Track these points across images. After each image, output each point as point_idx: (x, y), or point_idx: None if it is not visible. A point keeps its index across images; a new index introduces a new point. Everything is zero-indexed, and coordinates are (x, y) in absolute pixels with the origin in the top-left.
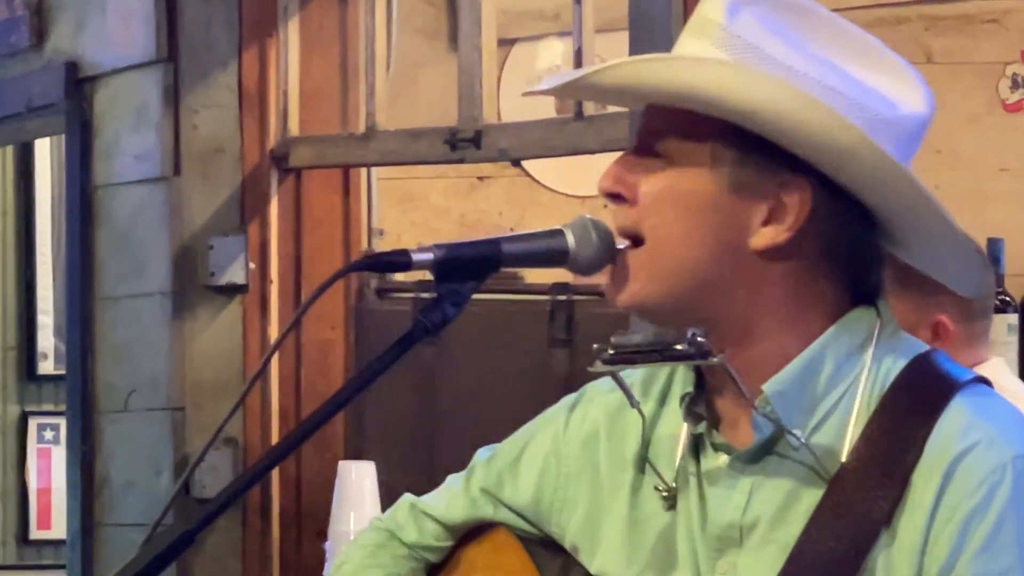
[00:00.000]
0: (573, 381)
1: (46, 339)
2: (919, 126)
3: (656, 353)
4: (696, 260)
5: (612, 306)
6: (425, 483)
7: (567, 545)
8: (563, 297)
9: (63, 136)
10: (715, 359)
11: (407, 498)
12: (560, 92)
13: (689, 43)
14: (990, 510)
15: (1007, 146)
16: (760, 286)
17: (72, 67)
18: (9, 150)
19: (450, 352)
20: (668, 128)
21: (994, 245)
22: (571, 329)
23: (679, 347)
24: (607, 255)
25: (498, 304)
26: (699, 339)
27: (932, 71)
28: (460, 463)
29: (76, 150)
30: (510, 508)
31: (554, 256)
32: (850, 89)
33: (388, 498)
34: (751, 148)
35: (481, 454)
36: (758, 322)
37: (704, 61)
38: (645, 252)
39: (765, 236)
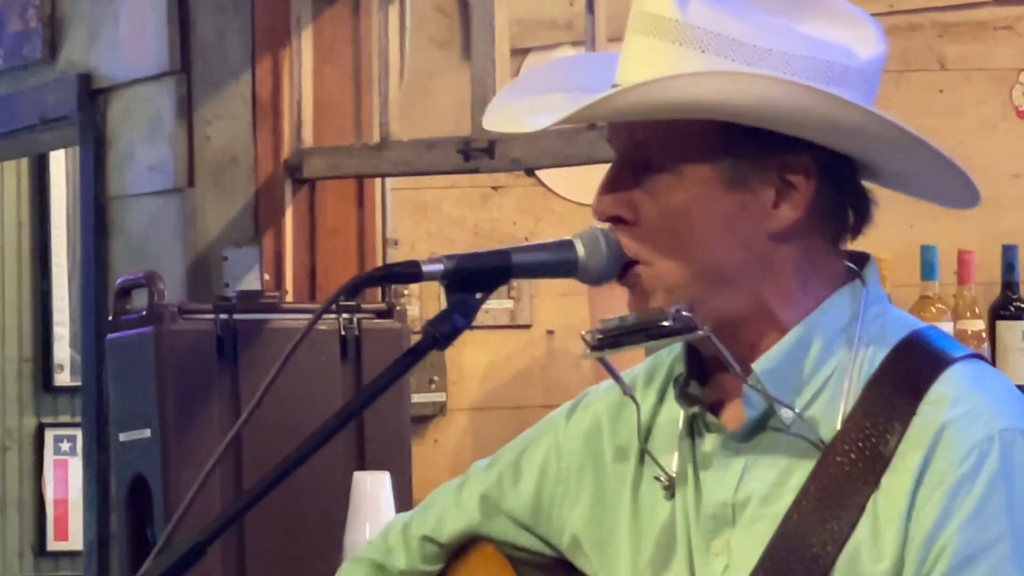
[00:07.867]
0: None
1: (62, 350)
2: (877, 68)
3: (642, 332)
4: (715, 262)
5: None
6: None
7: (565, 540)
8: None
9: (77, 148)
10: (700, 332)
11: (399, 519)
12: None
13: (643, 42)
14: (978, 480)
15: (1021, 152)
16: (772, 266)
17: (85, 79)
18: (24, 162)
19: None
20: (654, 136)
21: (1009, 252)
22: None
23: (665, 323)
24: (617, 265)
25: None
26: (684, 313)
27: (945, 78)
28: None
29: (90, 162)
30: (508, 514)
31: (564, 266)
32: (813, 51)
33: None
34: (746, 138)
35: (478, 464)
36: (767, 301)
37: (704, 75)
38: (656, 267)
39: (778, 218)
